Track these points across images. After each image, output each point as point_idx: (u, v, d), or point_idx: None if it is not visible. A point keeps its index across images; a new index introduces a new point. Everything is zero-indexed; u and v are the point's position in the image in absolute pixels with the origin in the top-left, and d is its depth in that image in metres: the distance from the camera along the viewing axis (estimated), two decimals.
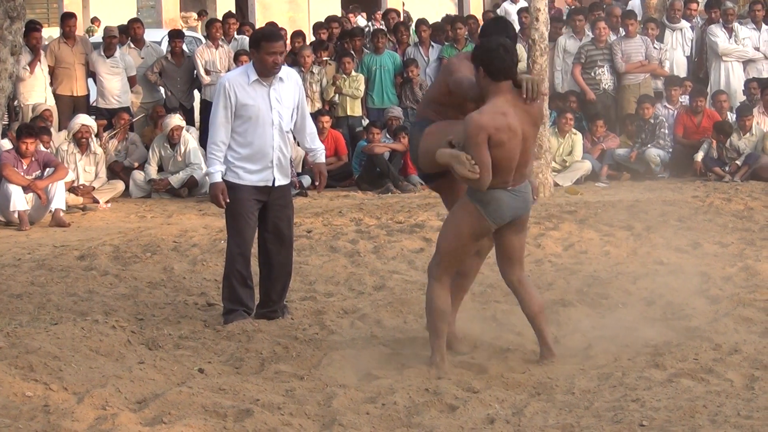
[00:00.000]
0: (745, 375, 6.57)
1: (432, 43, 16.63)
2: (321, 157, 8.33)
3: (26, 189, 12.75)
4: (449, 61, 7.58)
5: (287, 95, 7.98)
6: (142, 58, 16.09)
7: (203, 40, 17.33)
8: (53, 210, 12.82)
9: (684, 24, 16.91)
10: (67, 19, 15.81)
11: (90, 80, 15.66)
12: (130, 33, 16.29)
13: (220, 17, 18.59)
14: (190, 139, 14.84)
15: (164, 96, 16.12)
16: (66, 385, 6.17)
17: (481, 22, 19.12)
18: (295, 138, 8.67)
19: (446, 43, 16.46)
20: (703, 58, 16.93)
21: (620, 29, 16.47)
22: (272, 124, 7.91)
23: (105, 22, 21.62)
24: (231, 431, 5.66)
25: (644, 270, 9.50)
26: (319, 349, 7.30)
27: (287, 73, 8.09)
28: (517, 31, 7.43)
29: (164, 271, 9.84)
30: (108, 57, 15.44)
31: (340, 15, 22.13)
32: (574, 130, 15.34)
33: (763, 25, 16.73)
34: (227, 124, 7.91)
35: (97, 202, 13.99)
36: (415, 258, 10.25)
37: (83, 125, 14.10)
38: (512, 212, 6.74)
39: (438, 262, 6.88)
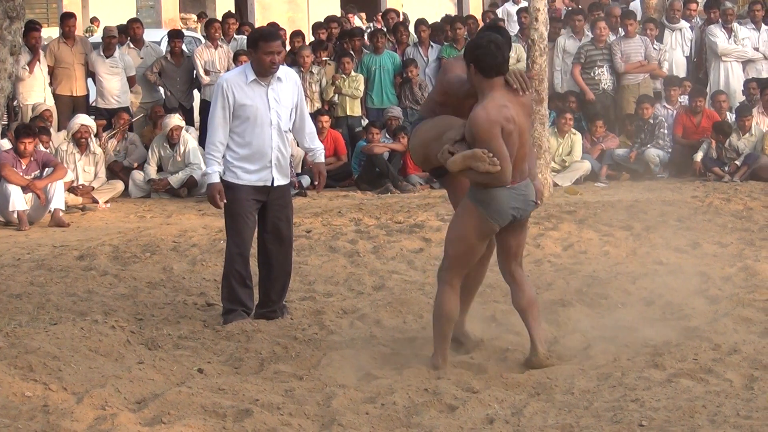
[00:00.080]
0: (744, 375, 6.57)
1: (431, 43, 16.63)
2: (320, 156, 8.33)
3: (25, 189, 12.75)
4: (445, 62, 7.63)
5: (286, 95, 7.98)
6: (142, 58, 16.09)
7: (203, 41, 17.34)
8: (52, 210, 12.82)
9: (683, 24, 16.91)
10: (66, 19, 15.82)
11: (89, 80, 15.66)
12: (129, 33, 16.30)
13: (219, 18, 18.57)
14: (189, 139, 14.84)
15: (164, 96, 16.13)
16: (65, 385, 6.17)
17: (481, 23, 19.17)
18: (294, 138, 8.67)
19: (445, 44, 16.46)
20: (702, 58, 16.93)
21: (619, 29, 16.47)
22: (270, 124, 7.91)
23: (104, 22, 21.62)
24: (230, 431, 5.65)
25: (643, 270, 9.50)
26: (319, 349, 7.30)
27: (286, 72, 8.09)
28: (511, 36, 7.41)
29: (163, 271, 9.84)
30: (107, 57, 15.45)
31: (339, 15, 22.12)
32: (573, 130, 15.34)
33: (763, 26, 16.73)
34: (225, 125, 7.91)
35: (97, 202, 13.99)
36: (415, 258, 10.25)
37: (82, 125, 14.10)
38: (514, 211, 6.73)
39: (447, 267, 6.86)
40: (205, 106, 15.05)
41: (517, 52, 15.52)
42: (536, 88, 13.54)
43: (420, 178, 15.02)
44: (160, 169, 14.88)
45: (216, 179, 7.95)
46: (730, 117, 15.73)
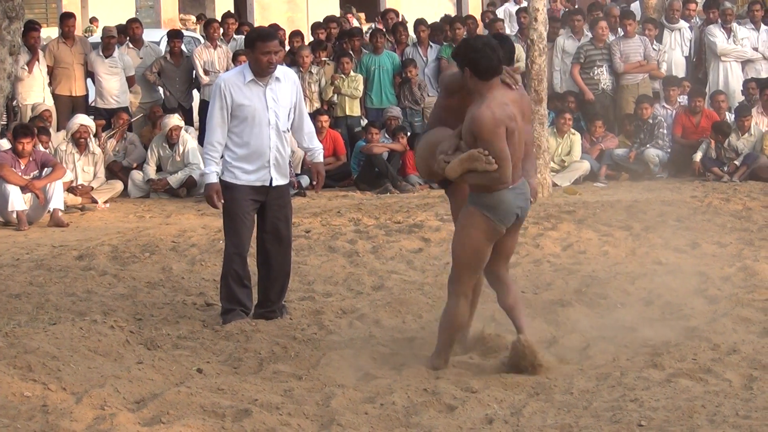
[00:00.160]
0: (743, 375, 6.58)
1: (431, 43, 16.63)
2: (319, 156, 8.32)
3: (24, 189, 12.75)
4: (443, 63, 7.64)
5: (284, 95, 7.97)
6: (141, 58, 16.10)
7: (202, 41, 17.34)
8: (52, 210, 12.82)
9: (683, 24, 16.91)
10: (66, 20, 15.82)
11: (89, 80, 15.67)
12: (128, 33, 16.30)
13: (218, 18, 18.57)
14: (188, 139, 14.84)
15: (163, 96, 16.13)
16: (64, 385, 6.16)
17: (480, 23, 19.17)
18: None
19: (445, 44, 16.45)
20: (701, 58, 16.94)
21: (618, 29, 16.47)
22: (269, 123, 7.90)
23: (104, 22, 21.62)
24: (229, 431, 5.65)
25: (643, 270, 9.50)
26: (318, 349, 7.30)
27: (284, 72, 8.08)
28: (514, 45, 7.42)
29: (163, 271, 9.84)
30: (106, 57, 15.45)
31: (338, 15, 22.12)
32: (572, 131, 15.35)
33: (762, 26, 16.74)
34: (223, 125, 7.91)
35: (96, 202, 13.99)
36: (414, 258, 10.25)
37: (82, 125, 14.10)
38: (518, 210, 6.73)
39: (459, 277, 6.81)
40: (205, 106, 15.03)
41: (516, 53, 15.51)
42: (535, 88, 13.55)
43: (419, 179, 15.02)
44: (159, 169, 14.88)
45: (214, 179, 7.95)
46: (730, 117, 15.73)
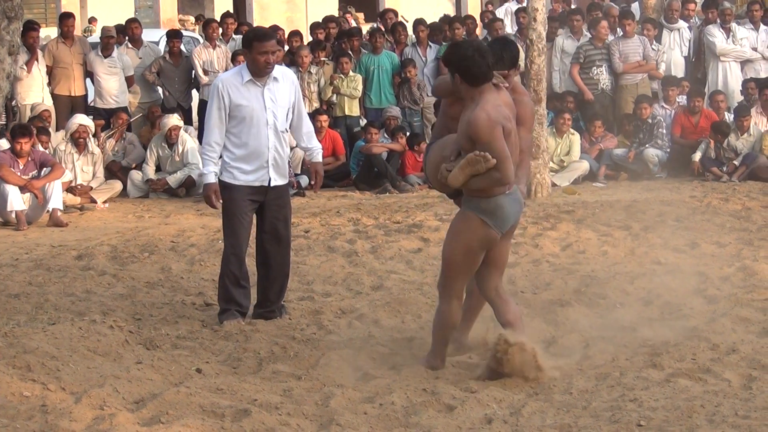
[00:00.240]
0: (742, 375, 6.58)
1: (430, 43, 16.63)
2: (317, 156, 8.31)
3: (23, 189, 12.74)
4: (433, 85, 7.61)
5: (282, 95, 7.96)
6: (140, 58, 16.09)
7: (201, 41, 17.35)
8: (51, 210, 12.82)
9: (682, 24, 16.92)
10: (65, 19, 15.82)
11: (88, 80, 15.66)
12: (127, 33, 16.30)
13: (217, 18, 18.58)
14: (188, 138, 14.84)
15: (162, 96, 16.13)
16: (64, 385, 6.16)
17: (479, 23, 19.17)
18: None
19: (444, 44, 16.44)
20: (700, 58, 16.94)
21: (617, 29, 16.48)
22: (267, 124, 7.89)
23: (103, 22, 21.61)
24: (229, 431, 5.65)
25: (642, 270, 9.50)
26: (317, 349, 7.30)
27: (282, 72, 8.08)
28: (519, 50, 7.39)
29: (162, 271, 9.84)
30: (105, 57, 15.45)
31: (337, 15, 22.12)
32: (571, 130, 15.35)
33: (761, 26, 16.75)
34: (221, 125, 7.91)
35: (95, 202, 13.98)
36: (413, 258, 10.25)
37: (81, 125, 14.10)
38: (513, 217, 6.70)
39: (450, 281, 6.77)
40: (204, 105, 15.04)
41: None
42: (534, 88, 13.54)
43: (418, 178, 15.02)
44: (158, 169, 14.88)
45: (212, 179, 7.96)
46: (729, 117, 15.74)
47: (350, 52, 16.36)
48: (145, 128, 15.66)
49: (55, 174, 12.96)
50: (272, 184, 7.98)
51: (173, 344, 7.46)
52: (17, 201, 12.67)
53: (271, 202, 8.02)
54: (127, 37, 16.23)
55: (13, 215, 12.68)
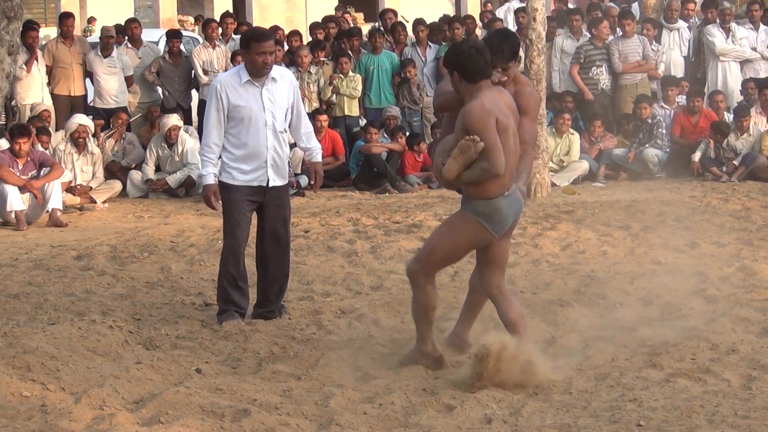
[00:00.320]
0: (742, 375, 6.58)
1: (429, 43, 16.63)
2: (317, 156, 8.31)
3: (22, 189, 12.74)
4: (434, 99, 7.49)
5: (281, 95, 7.95)
6: (140, 58, 16.10)
7: (201, 41, 17.35)
8: (50, 210, 12.81)
9: (681, 24, 16.92)
10: (64, 19, 15.82)
11: (87, 80, 15.66)
12: (127, 33, 16.30)
13: (217, 18, 18.58)
14: (187, 138, 14.84)
15: (162, 96, 16.13)
16: (63, 385, 6.16)
17: (479, 23, 19.16)
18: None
19: (443, 44, 16.45)
20: (700, 58, 16.94)
21: (617, 29, 16.48)
22: (266, 124, 7.89)
23: (102, 21, 21.61)
24: (228, 431, 5.65)
25: (641, 270, 9.50)
26: (317, 349, 7.30)
27: (281, 72, 8.07)
28: (518, 39, 7.32)
29: (161, 271, 9.84)
30: (105, 57, 15.45)
31: (338, 15, 22.10)
32: (571, 130, 15.35)
33: (761, 25, 16.75)
34: (220, 126, 7.91)
35: (95, 202, 13.98)
36: None
37: (80, 125, 14.10)
38: (511, 218, 6.69)
39: (426, 268, 6.76)
40: (204, 105, 15.03)
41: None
42: (534, 88, 13.53)
43: (418, 178, 15.03)
44: (158, 169, 14.88)
45: (211, 180, 7.96)
46: (728, 117, 15.74)
47: (350, 52, 16.36)
48: (144, 128, 15.67)
49: (55, 174, 12.96)
50: (271, 185, 7.97)
51: (173, 344, 7.46)
52: (17, 201, 12.67)
53: (270, 203, 8.02)
54: (126, 37, 16.23)
55: (13, 215, 12.68)
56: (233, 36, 16.46)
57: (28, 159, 12.96)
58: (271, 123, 7.89)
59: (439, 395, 6.31)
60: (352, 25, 19.95)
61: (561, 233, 11.03)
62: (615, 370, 6.74)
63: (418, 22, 17.04)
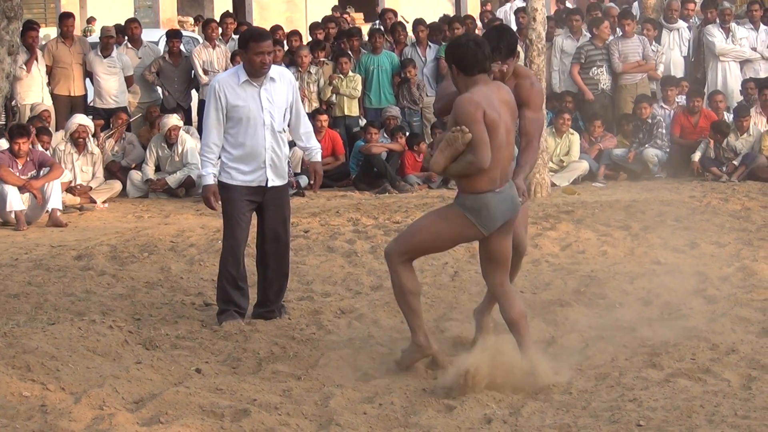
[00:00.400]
0: (742, 375, 6.58)
1: (429, 43, 16.63)
2: (316, 156, 8.30)
3: (22, 189, 12.74)
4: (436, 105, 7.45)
5: (279, 95, 7.94)
6: (140, 58, 16.10)
7: (200, 41, 17.35)
8: (50, 210, 12.81)
9: (681, 24, 16.92)
10: (64, 19, 15.83)
11: (87, 80, 15.66)
12: (127, 33, 16.31)
13: (217, 18, 18.59)
14: (187, 139, 14.84)
15: (162, 96, 16.13)
16: (63, 385, 6.16)
17: (479, 22, 19.16)
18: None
19: (443, 44, 16.45)
20: (700, 58, 16.94)
21: (617, 29, 16.48)
22: (264, 124, 7.88)
23: (102, 21, 21.62)
24: (228, 431, 5.65)
25: (641, 270, 9.50)
26: (317, 349, 7.30)
27: (279, 72, 8.06)
28: (515, 36, 7.28)
29: (161, 271, 9.84)
30: (105, 57, 15.46)
31: (336, 15, 22.10)
32: (571, 130, 15.35)
33: (761, 25, 16.75)
34: (219, 126, 7.90)
35: (95, 202, 13.99)
36: None
37: (80, 125, 14.10)
38: (503, 216, 6.58)
39: (404, 252, 6.70)
40: (204, 105, 15.03)
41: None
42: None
43: (418, 178, 15.03)
44: (158, 169, 14.88)
45: (211, 180, 7.96)
46: (728, 117, 15.74)
47: (350, 52, 16.36)
48: (144, 128, 15.67)
49: (54, 174, 12.96)
50: (270, 185, 7.97)
51: (173, 344, 7.46)
52: (16, 201, 12.67)
53: (270, 203, 8.02)
54: (126, 37, 16.23)
55: (13, 215, 12.68)
56: (233, 36, 16.46)
57: (28, 159, 12.96)
58: (269, 123, 7.89)
59: (439, 395, 6.31)
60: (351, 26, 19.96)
61: (561, 233, 11.03)
62: (615, 370, 6.74)
63: (418, 22, 17.05)
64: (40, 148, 13.40)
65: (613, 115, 16.16)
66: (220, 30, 16.44)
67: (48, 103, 15.03)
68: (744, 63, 16.65)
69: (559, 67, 16.35)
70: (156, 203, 14.28)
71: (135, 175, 14.82)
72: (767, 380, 6.46)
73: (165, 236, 11.35)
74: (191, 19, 29.55)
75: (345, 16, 23.73)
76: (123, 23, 16.79)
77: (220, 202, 8.01)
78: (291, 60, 15.78)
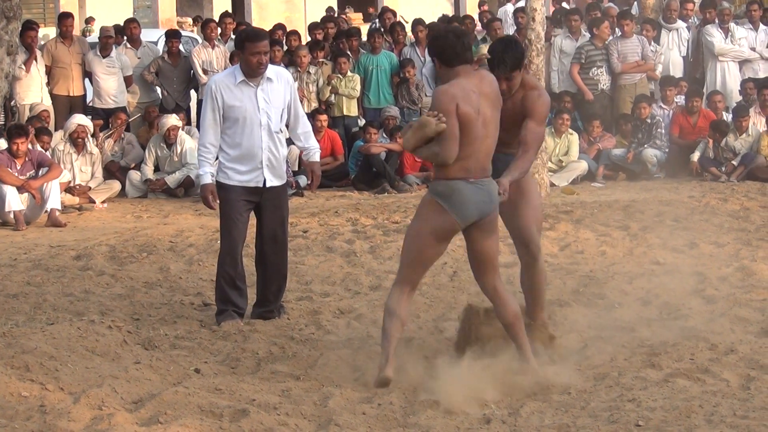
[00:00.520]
0: (741, 375, 6.58)
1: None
2: (315, 155, 8.28)
3: (21, 189, 12.74)
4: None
5: (276, 95, 7.93)
6: (139, 58, 16.10)
7: (200, 41, 17.36)
8: (49, 210, 12.81)
9: (680, 24, 16.92)
10: (64, 19, 15.83)
11: (86, 80, 15.66)
12: (126, 33, 16.31)
13: (216, 18, 18.59)
14: (186, 139, 14.84)
15: (161, 96, 16.13)
16: (62, 385, 6.16)
17: (478, 22, 19.16)
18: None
19: None
20: (699, 58, 16.94)
21: (616, 29, 16.48)
22: (260, 124, 7.88)
23: (101, 21, 21.63)
24: (227, 431, 5.65)
25: (640, 270, 9.50)
26: (315, 349, 7.30)
27: (277, 72, 8.05)
28: (523, 48, 7.22)
29: (160, 271, 9.84)
30: (104, 57, 15.46)
31: (336, 15, 22.13)
32: (570, 131, 15.35)
33: (760, 25, 16.74)
34: (216, 126, 7.90)
35: (94, 202, 13.99)
36: None
37: (79, 125, 14.10)
38: (477, 207, 6.47)
39: (400, 268, 6.68)
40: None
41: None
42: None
43: (417, 178, 15.03)
44: (156, 169, 14.88)
45: (208, 180, 7.96)
46: (727, 117, 15.74)
47: (349, 52, 16.36)
48: (143, 128, 15.67)
49: (53, 174, 12.96)
50: (267, 185, 7.96)
51: (172, 344, 7.46)
52: (15, 201, 12.66)
53: (268, 203, 8.01)
54: (125, 37, 16.23)
55: (12, 215, 12.68)
56: (232, 36, 16.46)
57: (27, 159, 12.96)
58: (266, 123, 7.88)
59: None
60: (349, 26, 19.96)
61: (560, 233, 11.03)
62: (614, 370, 6.74)
63: (417, 22, 17.05)
64: (39, 148, 13.40)
65: (612, 115, 16.16)
66: (219, 30, 16.44)
67: (47, 103, 15.02)
68: (743, 63, 16.65)
69: (558, 67, 16.34)
70: (155, 203, 14.28)
71: (134, 175, 14.82)
72: (766, 380, 6.46)
73: (164, 236, 11.35)
74: (190, 20, 29.54)
75: (343, 16, 23.76)
76: (122, 23, 16.78)
77: (218, 202, 8.01)
78: (290, 60, 15.78)
